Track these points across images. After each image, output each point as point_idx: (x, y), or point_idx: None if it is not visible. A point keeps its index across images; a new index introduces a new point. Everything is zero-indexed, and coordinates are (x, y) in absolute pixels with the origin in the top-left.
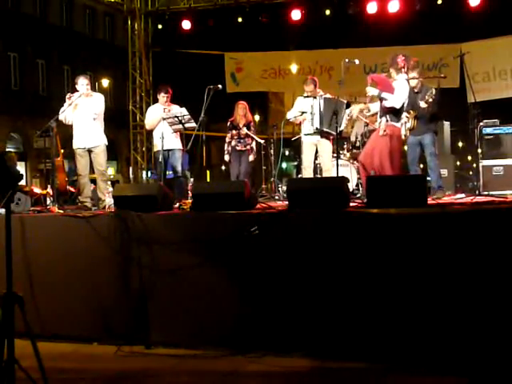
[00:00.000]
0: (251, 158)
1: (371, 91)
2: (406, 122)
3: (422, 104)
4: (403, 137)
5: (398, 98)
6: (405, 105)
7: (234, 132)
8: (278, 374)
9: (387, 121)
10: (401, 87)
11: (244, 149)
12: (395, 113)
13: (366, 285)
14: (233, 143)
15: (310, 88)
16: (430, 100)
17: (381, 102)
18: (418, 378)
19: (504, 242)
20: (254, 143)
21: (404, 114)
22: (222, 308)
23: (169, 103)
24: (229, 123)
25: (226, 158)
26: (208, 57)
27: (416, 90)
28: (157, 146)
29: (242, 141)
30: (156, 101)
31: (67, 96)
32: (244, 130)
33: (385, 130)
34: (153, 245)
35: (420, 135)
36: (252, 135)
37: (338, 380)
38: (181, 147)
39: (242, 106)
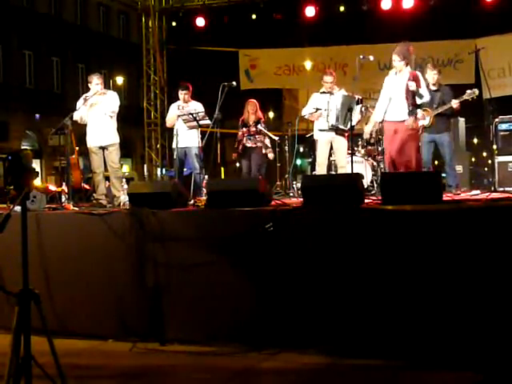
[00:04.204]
0: (271, 156)
1: (412, 86)
2: (420, 119)
3: (454, 103)
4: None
5: (427, 92)
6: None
7: (244, 129)
8: (292, 370)
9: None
10: (424, 81)
11: (254, 145)
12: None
13: (381, 282)
14: (243, 140)
15: (331, 79)
16: (469, 100)
17: (407, 99)
18: (434, 373)
19: None
20: (266, 140)
21: (419, 111)
22: (236, 305)
23: (189, 99)
24: (240, 122)
25: (234, 156)
26: (222, 54)
27: (435, 88)
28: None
29: (252, 138)
30: (172, 98)
31: (83, 97)
32: (254, 127)
33: (414, 126)
34: (167, 242)
35: (438, 133)
36: (265, 131)
37: (354, 377)
38: (198, 145)
39: (252, 103)
